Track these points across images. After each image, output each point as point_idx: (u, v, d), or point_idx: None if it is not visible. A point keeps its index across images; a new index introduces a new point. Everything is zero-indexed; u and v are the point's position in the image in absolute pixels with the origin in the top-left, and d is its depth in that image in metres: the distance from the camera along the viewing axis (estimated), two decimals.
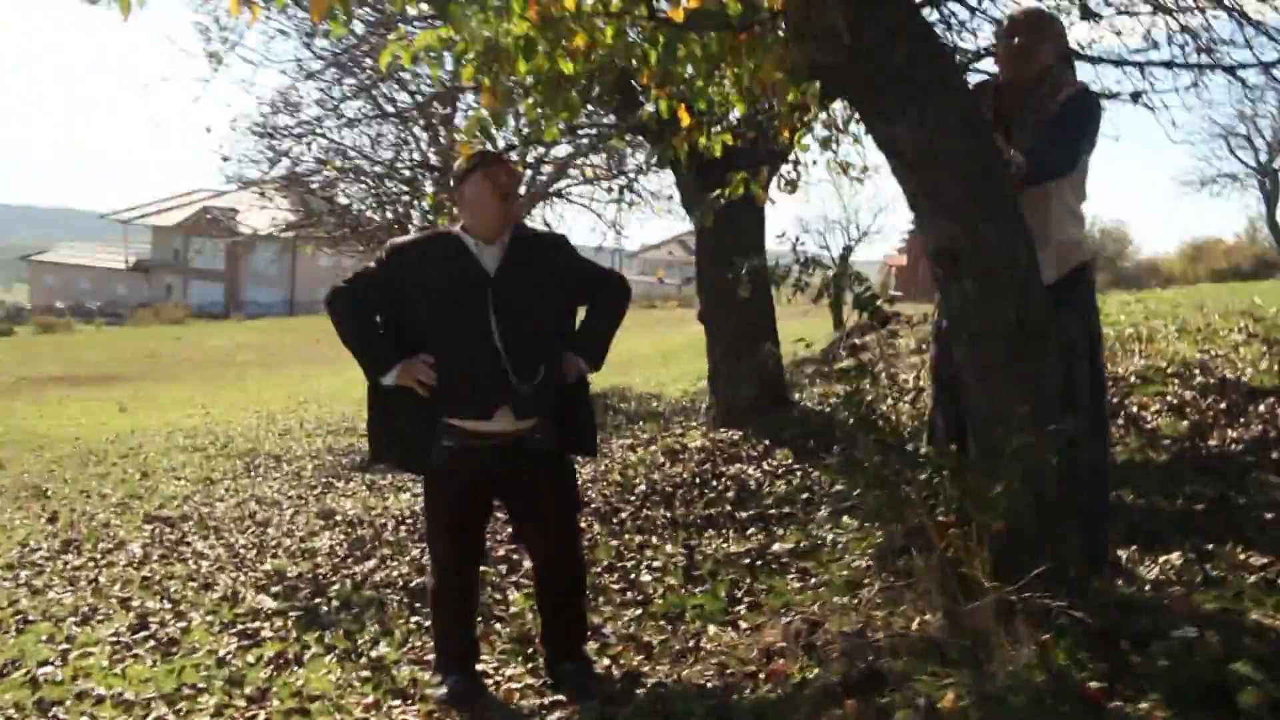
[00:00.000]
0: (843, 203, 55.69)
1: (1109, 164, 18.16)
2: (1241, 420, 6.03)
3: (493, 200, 3.47)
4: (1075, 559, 3.02)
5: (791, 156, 5.09)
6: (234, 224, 19.60)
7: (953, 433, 3.32)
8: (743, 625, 4.08)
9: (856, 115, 4.40)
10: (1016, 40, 3.56)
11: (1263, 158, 36.58)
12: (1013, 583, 2.87)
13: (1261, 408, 6.18)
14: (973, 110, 3.10)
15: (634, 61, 3.64)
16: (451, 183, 3.57)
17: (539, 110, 3.40)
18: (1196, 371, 7.14)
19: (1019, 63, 3.54)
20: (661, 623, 4.28)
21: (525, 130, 3.55)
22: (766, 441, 7.15)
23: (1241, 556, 4.10)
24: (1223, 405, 6.33)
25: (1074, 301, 3.42)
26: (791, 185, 4.83)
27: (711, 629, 4.07)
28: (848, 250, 3.07)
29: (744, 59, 3.31)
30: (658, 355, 17.75)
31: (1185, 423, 6.13)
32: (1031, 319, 2.97)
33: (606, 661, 3.87)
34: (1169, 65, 6.76)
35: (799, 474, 6.36)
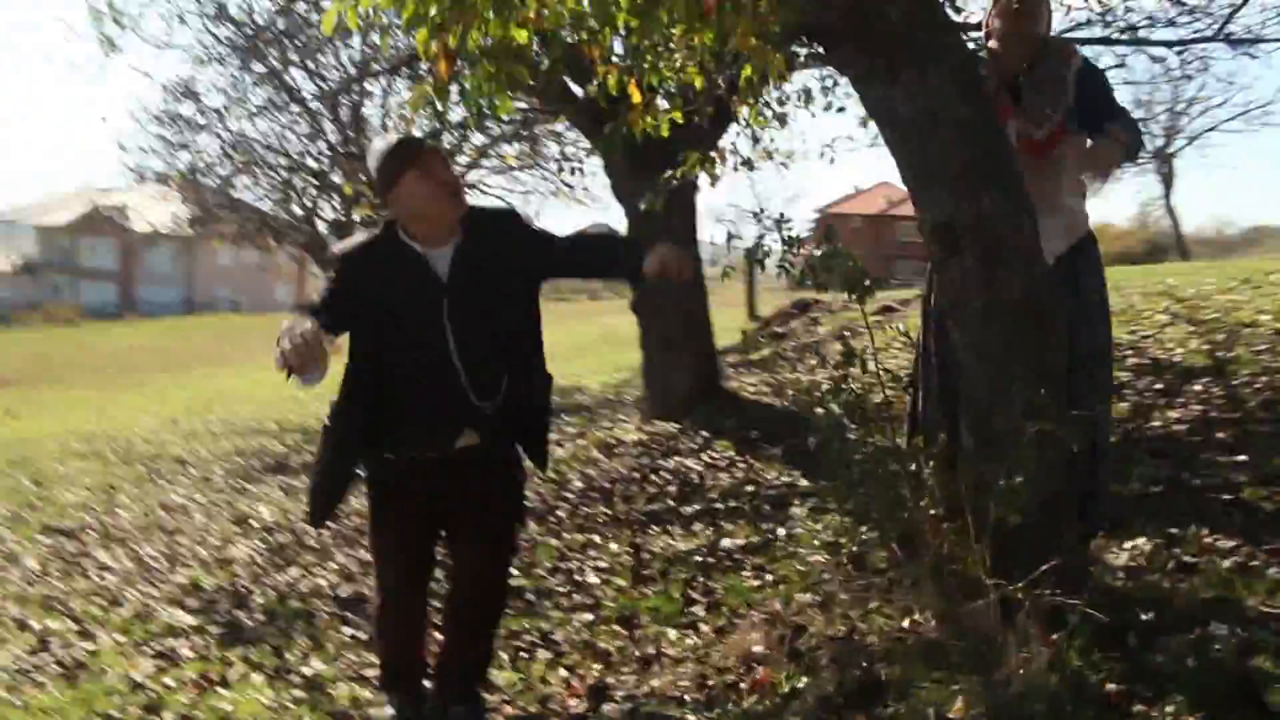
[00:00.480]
0: (754, 191, 55.91)
1: None
2: (1180, 401, 6.02)
3: (437, 204, 2.97)
4: (1073, 550, 2.85)
5: (740, 135, 4.87)
6: (126, 221, 18.76)
7: (939, 421, 3.13)
8: (704, 627, 3.86)
9: (822, 87, 4.20)
10: (1019, 5, 3.38)
11: (1159, 142, 37.62)
12: (1012, 579, 2.69)
13: (1197, 387, 6.19)
14: (973, 74, 2.91)
15: (584, 34, 3.39)
16: (375, 184, 3.03)
17: (488, 84, 3.08)
18: (1128, 353, 7.15)
19: (1025, 25, 3.35)
20: (616, 627, 4.05)
21: (480, 103, 3.16)
22: (705, 433, 6.94)
23: (1208, 539, 4.02)
24: (1159, 386, 6.32)
25: (1085, 270, 3.28)
26: (748, 163, 4.62)
27: (671, 633, 3.84)
28: (830, 228, 2.85)
29: (710, 26, 3.07)
30: (571, 348, 17.44)
31: (1125, 404, 6.09)
32: (1036, 296, 2.79)
33: (563, 672, 3.61)
34: (1104, 42, 6.73)
35: (743, 467, 6.17)
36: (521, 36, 2.90)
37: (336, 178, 11.38)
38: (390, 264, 3.02)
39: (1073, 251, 3.27)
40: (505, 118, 9.17)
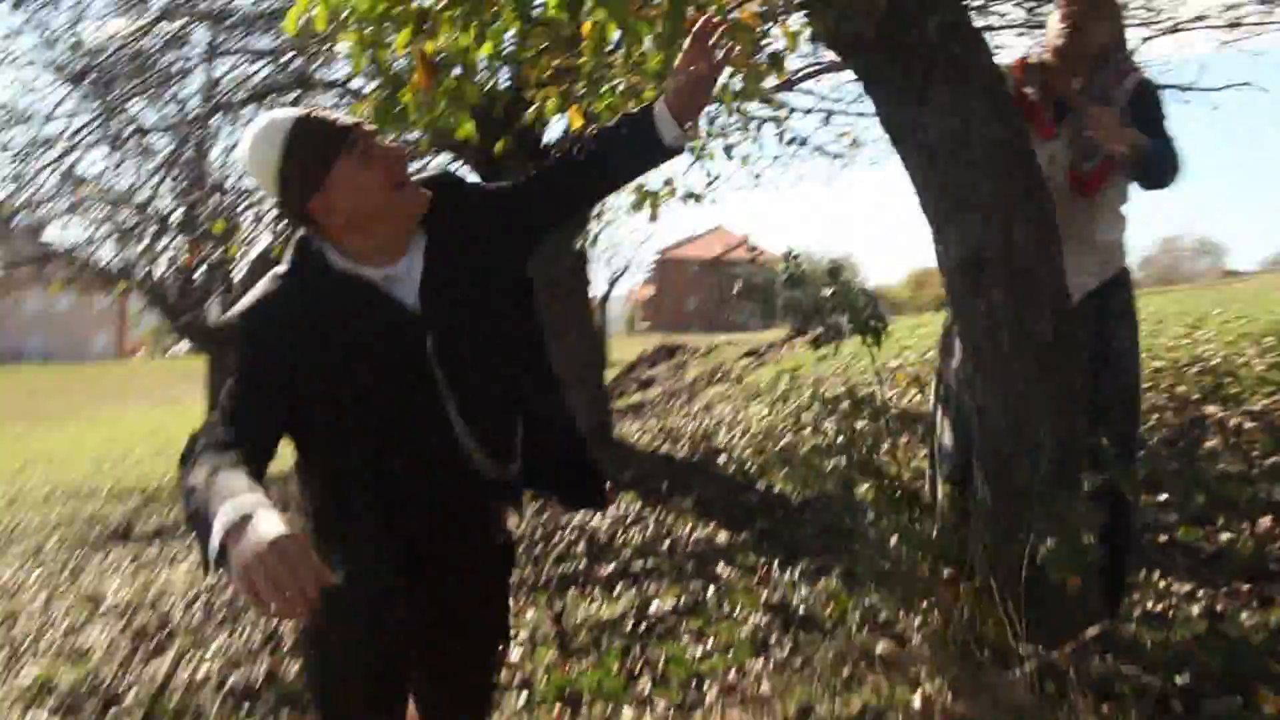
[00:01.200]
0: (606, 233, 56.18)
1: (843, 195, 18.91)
2: None
3: (393, 195, 1.96)
4: (1100, 610, 2.66)
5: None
6: None
7: (952, 470, 2.90)
8: (658, 704, 3.52)
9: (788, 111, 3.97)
10: (1073, 11, 3.08)
11: None
12: (1043, 644, 2.47)
13: None
14: (1006, 94, 2.71)
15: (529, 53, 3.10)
16: (284, 191, 1.95)
17: (448, 103, 2.71)
18: None
19: (1075, 37, 3.08)
20: (558, 707, 3.66)
21: (435, 124, 2.74)
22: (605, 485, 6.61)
23: (1162, 584, 3.94)
24: None
25: (1117, 310, 3.10)
26: (696, 197, 4.36)
27: (627, 712, 3.49)
28: (837, 265, 2.60)
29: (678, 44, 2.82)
30: None
31: None
32: (1067, 333, 2.60)
33: None
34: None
35: (653, 521, 5.87)
36: (487, 49, 2.55)
37: (174, 215, 10.63)
38: (329, 308, 1.97)
39: (1104, 288, 3.08)
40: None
